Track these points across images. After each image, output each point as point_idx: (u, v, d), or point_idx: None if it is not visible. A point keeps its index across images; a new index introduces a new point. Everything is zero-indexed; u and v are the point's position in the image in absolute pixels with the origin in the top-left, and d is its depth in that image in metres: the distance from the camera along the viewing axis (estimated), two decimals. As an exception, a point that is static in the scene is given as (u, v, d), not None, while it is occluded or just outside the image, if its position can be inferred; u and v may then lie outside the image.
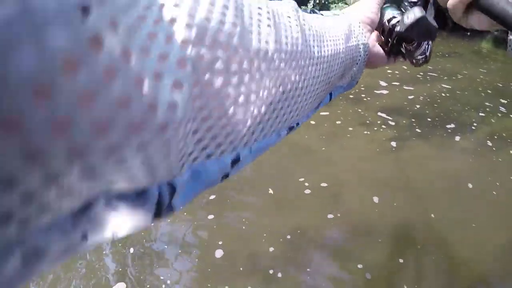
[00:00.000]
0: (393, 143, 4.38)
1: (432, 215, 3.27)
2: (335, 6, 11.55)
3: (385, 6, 0.79)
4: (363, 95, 5.55)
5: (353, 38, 0.62)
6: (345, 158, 4.15)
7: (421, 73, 6.69)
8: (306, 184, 3.64)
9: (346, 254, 2.92)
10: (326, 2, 12.10)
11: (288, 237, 2.98)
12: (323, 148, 4.26)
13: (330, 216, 3.23)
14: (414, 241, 3.07)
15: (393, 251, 2.95)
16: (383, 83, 6.01)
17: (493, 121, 5.10)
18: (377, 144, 4.38)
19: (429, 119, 4.99)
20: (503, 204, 3.42)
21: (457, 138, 4.51)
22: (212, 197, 3.40)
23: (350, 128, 4.81)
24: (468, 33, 12.89)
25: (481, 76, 7.10)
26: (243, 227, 3.08)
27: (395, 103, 5.47)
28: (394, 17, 0.76)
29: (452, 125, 4.80)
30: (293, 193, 3.53)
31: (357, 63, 0.65)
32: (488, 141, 4.34)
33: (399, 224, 3.24)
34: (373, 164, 4.00)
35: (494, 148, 4.32)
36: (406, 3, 0.79)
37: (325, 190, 3.56)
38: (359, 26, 0.66)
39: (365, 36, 0.67)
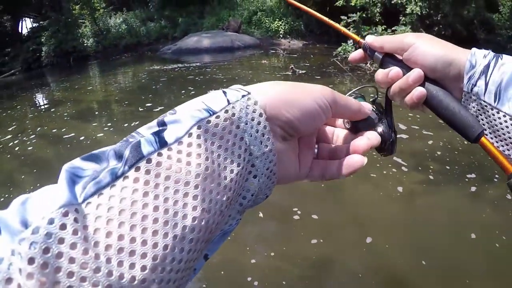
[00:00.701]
0: (400, 188, 4.35)
1: (423, 262, 3.22)
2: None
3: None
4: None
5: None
6: (347, 199, 4.20)
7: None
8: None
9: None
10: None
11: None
12: (329, 188, 4.34)
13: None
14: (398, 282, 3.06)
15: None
16: (402, 126, 5.98)
17: None
18: (383, 188, 4.37)
19: (447, 167, 4.88)
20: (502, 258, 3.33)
21: (473, 188, 4.38)
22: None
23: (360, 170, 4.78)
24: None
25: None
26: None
27: (413, 148, 5.43)
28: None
29: (473, 175, 4.66)
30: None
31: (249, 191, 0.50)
32: (508, 195, 4.16)
33: (385, 266, 3.24)
34: (373, 208, 4.01)
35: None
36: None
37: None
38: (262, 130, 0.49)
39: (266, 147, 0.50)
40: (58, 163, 5.88)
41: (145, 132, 0.43)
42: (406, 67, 0.78)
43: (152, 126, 0.44)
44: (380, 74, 0.81)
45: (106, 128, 7.45)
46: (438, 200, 4.22)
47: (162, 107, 8.23)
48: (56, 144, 6.88)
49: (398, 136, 0.76)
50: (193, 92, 9.52)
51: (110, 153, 0.40)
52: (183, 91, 9.67)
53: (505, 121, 0.72)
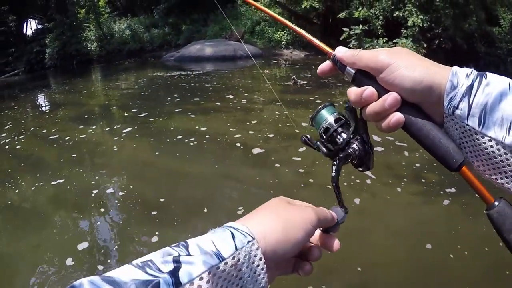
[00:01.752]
0: (357, 200, 4.41)
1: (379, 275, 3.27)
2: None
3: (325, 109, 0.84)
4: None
5: None
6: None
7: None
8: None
9: None
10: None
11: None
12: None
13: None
14: None
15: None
16: (376, 138, 6.02)
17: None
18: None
19: (423, 180, 4.94)
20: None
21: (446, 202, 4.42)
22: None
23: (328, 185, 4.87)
24: None
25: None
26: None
27: (388, 161, 5.48)
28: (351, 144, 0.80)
29: (453, 189, 4.68)
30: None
31: None
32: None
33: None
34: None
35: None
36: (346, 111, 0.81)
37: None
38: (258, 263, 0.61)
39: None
40: (56, 164, 5.93)
41: (162, 266, 0.51)
42: (381, 88, 0.72)
43: (168, 261, 0.52)
44: (353, 92, 0.75)
45: (106, 133, 7.51)
46: (412, 212, 4.28)
47: (177, 115, 8.29)
48: (55, 146, 6.90)
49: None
50: (195, 99, 9.56)
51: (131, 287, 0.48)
52: (184, 99, 9.71)
53: (491, 146, 0.66)
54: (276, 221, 0.67)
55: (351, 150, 0.79)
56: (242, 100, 9.33)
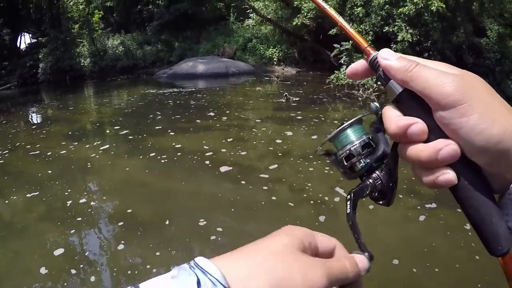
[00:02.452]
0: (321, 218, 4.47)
1: None
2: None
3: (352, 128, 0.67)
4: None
5: None
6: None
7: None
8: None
9: None
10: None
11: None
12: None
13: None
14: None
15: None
16: None
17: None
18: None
19: (400, 196, 4.96)
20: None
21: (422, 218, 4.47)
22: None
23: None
24: None
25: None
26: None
27: None
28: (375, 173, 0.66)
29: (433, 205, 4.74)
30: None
31: None
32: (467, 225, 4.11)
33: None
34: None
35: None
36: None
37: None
38: None
39: None
40: (48, 181, 5.90)
41: None
42: (436, 128, 0.55)
43: None
44: (394, 121, 0.57)
45: (98, 150, 7.47)
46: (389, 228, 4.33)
47: (156, 133, 8.33)
48: (47, 162, 6.87)
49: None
50: (187, 117, 9.60)
51: None
52: (176, 116, 9.74)
53: None
54: (264, 278, 0.50)
55: (371, 180, 0.65)
56: (234, 118, 9.40)
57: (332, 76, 13.03)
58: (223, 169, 5.97)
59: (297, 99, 11.39)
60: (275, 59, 19.54)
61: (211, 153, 6.74)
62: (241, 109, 10.55)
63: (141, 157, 6.74)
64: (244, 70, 18.10)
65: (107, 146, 7.54)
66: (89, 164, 6.65)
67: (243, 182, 5.51)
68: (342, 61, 12.94)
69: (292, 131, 8.15)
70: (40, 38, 21.17)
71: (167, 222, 4.42)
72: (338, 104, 11.15)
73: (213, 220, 4.46)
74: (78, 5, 22.47)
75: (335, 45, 13.11)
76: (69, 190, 5.45)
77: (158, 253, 3.82)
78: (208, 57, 19.42)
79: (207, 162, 6.32)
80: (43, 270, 3.63)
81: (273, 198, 5.02)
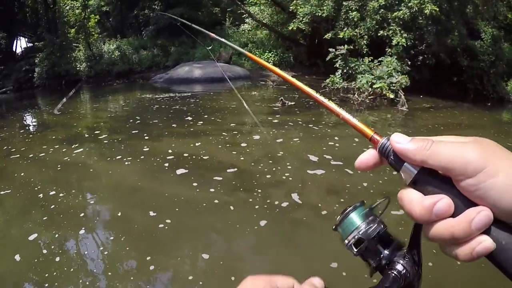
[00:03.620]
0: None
1: None
2: (362, 77, 11.83)
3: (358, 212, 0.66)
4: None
5: None
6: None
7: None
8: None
9: None
10: (353, 73, 12.43)
11: None
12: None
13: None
14: None
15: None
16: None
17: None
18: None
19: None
20: None
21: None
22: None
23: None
24: (489, 104, 12.92)
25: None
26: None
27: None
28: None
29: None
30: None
31: None
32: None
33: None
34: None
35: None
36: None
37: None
38: None
39: None
40: (43, 187, 5.87)
41: None
42: (462, 198, 0.54)
43: None
44: (417, 202, 0.56)
45: (93, 155, 7.50)
46: None
47: (151, 137, 8.33)
48: (43, 168, 6.85)
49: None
50: (182, 122, 9.61)
51: None
52: (172, 121, 9.75)
53: None
54: None
55: (395, 273, 0.61)
56: (230, 122, 9.44)
57: (327, 80, 13.09)
58: (222, 173, 6.00)
59: (292, 103, 11.44)
60: (270, 63, 19.48)
61: (207, 157, 6.77)
62: (237, 113, 10.57)
63: (134, 161, 6.77)
64: (240, 75, 18.09)
65: (115, 151, 7.48)
66: (99, 169, 6.66)
67: (241, 187, 5.55)
68: (337, 65, 12.99)
69: (287, 135, 8.18)
70: (36, 43, 21.14)
71: (161, 225, 4.45)
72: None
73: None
74: (74, 9, 22.52)
75: (330, 49, 13.17)
76: (61, 195, 5.48)
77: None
78: (204, 62, 19.43)
79: (202, 165, 6.36)
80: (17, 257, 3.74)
81: (267, 200, 5.04)
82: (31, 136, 9.58)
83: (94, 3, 25.77)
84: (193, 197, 5.27)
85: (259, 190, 5.38)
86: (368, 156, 0.63)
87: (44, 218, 4.96)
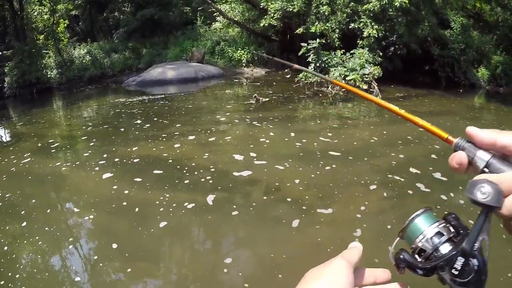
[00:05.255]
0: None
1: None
2: (335, 70, 11.88)
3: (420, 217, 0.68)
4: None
5: None
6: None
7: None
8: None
9: None
10: (326, 66, 12.48)
11: None
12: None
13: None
14: None
15: None
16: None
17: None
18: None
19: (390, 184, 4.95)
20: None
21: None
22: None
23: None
24: (461, 90, 13.13)
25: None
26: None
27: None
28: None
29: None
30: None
31: None
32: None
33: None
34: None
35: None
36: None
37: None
38: None
39: None
40: (20, 201, 5.74)
41: None
42: None
43: None
44: (507, 178, 0.58)
45: (70, 164, 7.32)
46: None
47: (126, 142, 8.24)
48: (17, 181, 6.67)
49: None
50: (158, 124, 9.52)
51: None
52: (148, 124, 9.65)
53: None
54: None
55: (451, 274, 0.62)
56: (205, 122, 9.39)
57: (300, 75, 13.11)
58: (197, 173, 5.98)
59: (267, 99, 11.42)
60: (243, 61, 19.47)
61: (185, 157, 6.76)
62: (211, 113, 10.51)
63: (112, 167, 6.68)
64: (213, 74, 18.05)
65: (92, 159, 7.33)
66: (57, 177, 6.59)
67: (218, 186, 5.53)
68: (310, 59, 13.02)
69: (263, 132, 8.16)
70: (4, 51, 20.68)
71: (145, 231, 4.38)
72: (308, 102, 11.21)
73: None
74: (42, 15, 22.16)
75: (303, 44, 13.19)
76: (38, 207, 5.41)
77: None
78: (177, 63, 19.30)
79: (180, 167, 6.31)
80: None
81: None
82: (1, 148, 9.36)
83: (62, 8, 25.24)
84: (172, 199, 5.22)
85: (237, 188, 5.37)
86: (460, 156, 0.65)
87: (23, 231, 4.90)
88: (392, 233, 3.87)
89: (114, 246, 4.23)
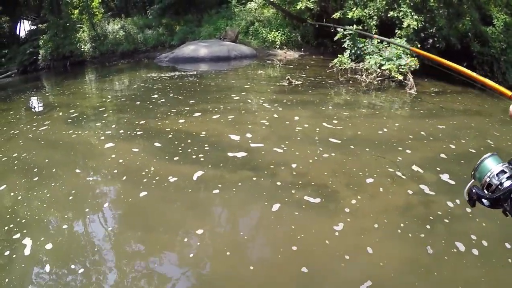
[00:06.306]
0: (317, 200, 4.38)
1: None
2: (370, 58, 11.66)
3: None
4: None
5: None
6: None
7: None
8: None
9: None
10: (361, 53, 12.26)
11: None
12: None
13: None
14: None
15: None
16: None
17: None
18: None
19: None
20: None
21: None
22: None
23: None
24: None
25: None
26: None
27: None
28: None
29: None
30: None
31: None
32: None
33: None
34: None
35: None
36: None
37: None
38: None
39: None
40: (50, 168, 5.89)
41: None
42: None
43: None
44: None
45: (100, 135, 7.42)
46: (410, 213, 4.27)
47: (156, 116, 8.27)
48: (61, 150, 6.81)
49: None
50: (189, 101, 9.52)
51: None
52: (178, 100, 9.68)
53: None
54: None
55: None
56: (236, 101, 9.36)
57: (335, 60, 12.92)
58: (230, 153, 6.00)
59: (299, 82, 11.33)
60: (277, 42, 19.25)
61: (214, 135, 6.80)
62: (243, 92, 10.45)
63: (140, 140, 6.81)
64: (246, 54, 17.94)
65: (122, 131, 7.47)
66: (87, 147, 6.77)
67: (247, 165, 5.56)
68: (346, 45, 12.81)
69: (293, 114, 8.11)
70: (39, 25, 20.89)
71: (169, 205, 4.38)
72: (341, 88, 11.02)
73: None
74: (77, -11, 22.25)
75: (339, 29, 12.97)
76: (90, 178, 5.55)
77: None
78: (210, 41, 19.23)
79: (209, 145, 6.35)
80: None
81: (278, 183, 5.04)
82: (34, 117, 9.54)
83: (97, -17, 25.41)
84: (202, 176, 5.28)
85: (267, 169, 5.39)
86: None
87: (48, 196, 5.07)
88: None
89: (137, 216, 4.46)
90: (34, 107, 11.37)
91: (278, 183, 4.99)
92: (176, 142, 6.52)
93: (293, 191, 4.79)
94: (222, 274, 3.55)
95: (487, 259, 3.62)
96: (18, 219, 4.51)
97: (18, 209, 4.80)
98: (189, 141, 6.55)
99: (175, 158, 5.89)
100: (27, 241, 4.05)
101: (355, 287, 3.28)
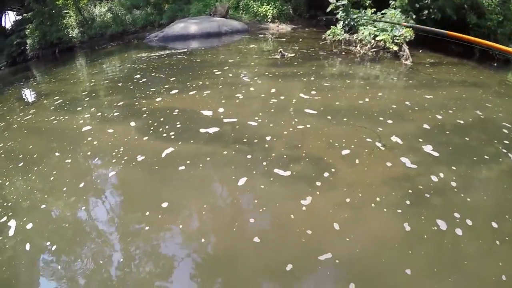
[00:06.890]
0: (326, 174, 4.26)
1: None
2: (364, 29, 11.42)
3: None
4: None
5: None
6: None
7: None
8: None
9: None
10: (355, 24, 12.02)
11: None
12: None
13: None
14: None
15: None
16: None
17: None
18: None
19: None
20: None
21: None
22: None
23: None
24: (495, 64, 12.48)
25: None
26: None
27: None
28: None
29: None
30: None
31: None
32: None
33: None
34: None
35: None
36: None
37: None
38: None
39: None
40: (46, 155, 5.95)
41: None
42: None
43: None
44: None
45: (79, 119, 7.42)
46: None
47: (149, 95, 8.22)
48: (44, 136, 6.87)
49: None
50: (181, 78, 9.39)
51: None
52: (171, 78, 9.56)
53: None
54: None
55: None
56: (229, 76, 9.30)
57: (328, 32, 12.71)
58: (221, 127, 6.05)
59: (292, 55, 11.19)
60: (269, 16, 18.92)
61: (210, 112, 6.75)
62: (235, 67, 10.34)
63: (135, 120, 6.82)
64: (237, 29, 17.71)
65: (117, 113, 7.45)
66: (82, 132, 6.74)
67: (244, 140, 5.52)
68: (339, 17, 12.55)
69: (286, 86, 8.06)
70: (24, 14, 20.47)
71: (166, 182, 4.36)
72: (335, 59, 10.82)
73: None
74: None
75: (331, 0, 12.68)
76: (68, 161, 5.64)
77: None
78: (200, 17, 18.98)
79: (203, 121, 6.36)
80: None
81: (273, 154, 5.03)
82: (21, 107, 9.48)
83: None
84: (195, 151, 5.32)
85: (258, 142, 5.40)
86: None
87: (32, 179, 5.25)
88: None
89: (136, 196, 4.51)
90: (22, 98, 11.19)
91: (248, 157, 4.99)
92: (150, 121, 6.58)
93: (264, 163, 4.77)
94: (175, 244, 3.73)
95: (472, 240, 3.48)
96: (5, 204, 4.71)
97: (5, 194, 4.99)
98: (182, 117, 6.59)
99: (145, 138, 5.95)
100: (12, 223, 4.24)
101: (312, 259, 3.25)
